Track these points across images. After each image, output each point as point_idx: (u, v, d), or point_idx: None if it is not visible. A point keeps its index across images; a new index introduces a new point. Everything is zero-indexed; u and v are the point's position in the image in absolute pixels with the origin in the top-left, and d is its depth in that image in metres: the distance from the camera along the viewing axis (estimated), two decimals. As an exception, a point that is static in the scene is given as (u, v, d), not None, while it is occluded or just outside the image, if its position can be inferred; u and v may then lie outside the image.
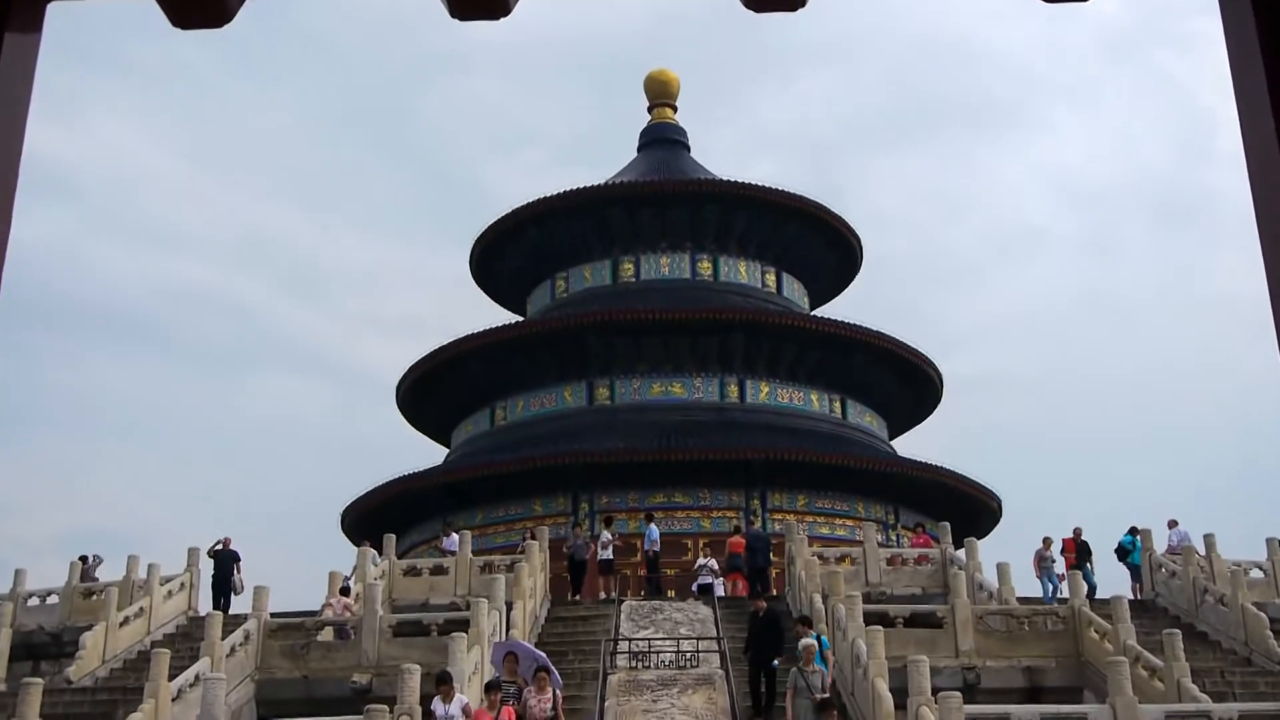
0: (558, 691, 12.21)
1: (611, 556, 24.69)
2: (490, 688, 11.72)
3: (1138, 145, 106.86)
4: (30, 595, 22.78)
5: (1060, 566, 22.30)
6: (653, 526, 25.70)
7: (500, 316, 48.35)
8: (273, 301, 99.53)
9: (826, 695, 12.93)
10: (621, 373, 38.95)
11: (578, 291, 43.51)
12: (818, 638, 14.64)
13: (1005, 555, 21.49)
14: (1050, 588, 20.57)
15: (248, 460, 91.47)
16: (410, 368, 41.79)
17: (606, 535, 25.01)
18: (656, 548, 25.35)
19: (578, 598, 23.65)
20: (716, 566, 24.66)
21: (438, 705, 11.56)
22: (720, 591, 23.67)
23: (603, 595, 24.25)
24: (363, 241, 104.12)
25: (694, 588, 25.09)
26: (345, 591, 19.45)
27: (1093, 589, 21.83)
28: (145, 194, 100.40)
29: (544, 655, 13.15)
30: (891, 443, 43.58)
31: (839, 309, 53.11)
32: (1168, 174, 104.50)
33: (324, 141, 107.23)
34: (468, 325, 70.23)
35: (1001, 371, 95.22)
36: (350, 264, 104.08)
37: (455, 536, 24.90)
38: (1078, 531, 23.60)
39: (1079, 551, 23.28)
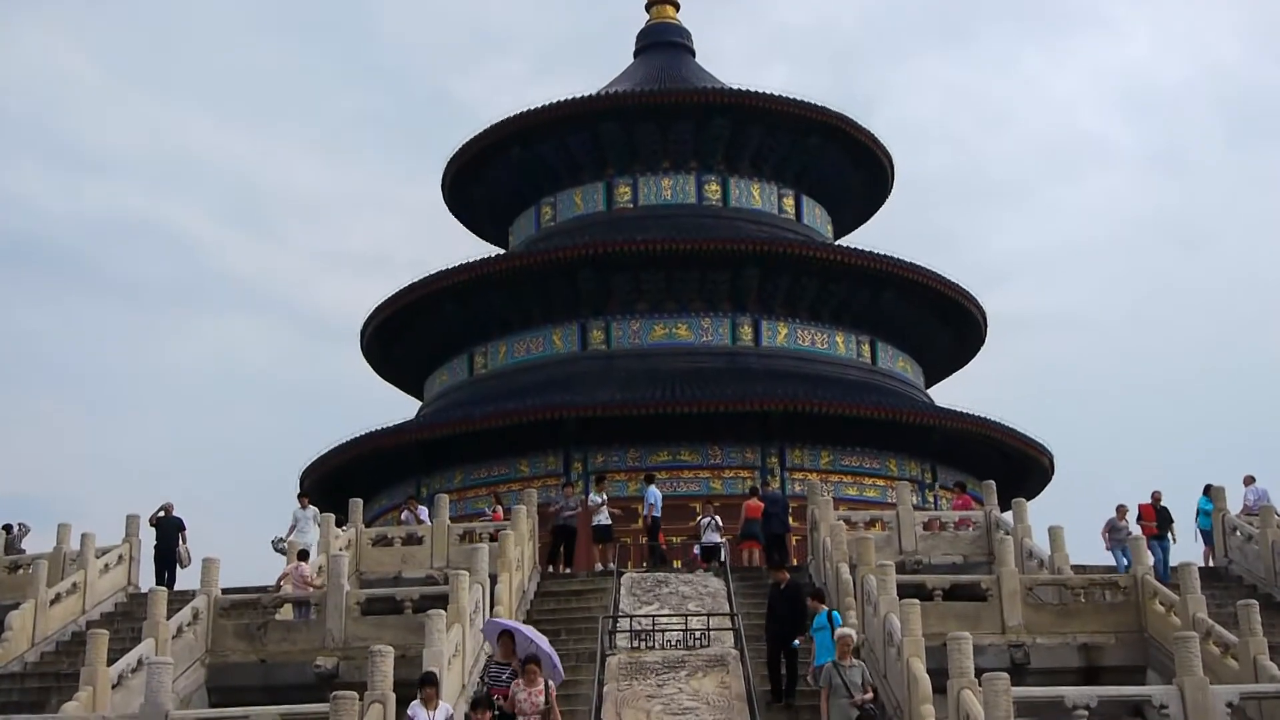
0: (551, 683, 12.14)
1: (609, 522, 24.65)
2: (476, 705, 11.51)
3: (1211, 43, 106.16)
4: (-54, 571, 22.67)
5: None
6: (653, 489, 25.51)
7: (479, 250, 48.61)
8: (214, 232, 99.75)
9: (870, 698, 12.56)
10: (618, 313, 39.03)
11: (567, 220, 43.41)
12: (829, 613, 14.57)
13: (1058, 518, 21.42)
14: (1125, 563, 20.32)
15: (190, 415, 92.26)
16: (376, 309, 41.81)
17: (597, 497, 24.91)
18: (656, 512, 25.23)
19: (567, 570, 23.74)
20: (721, 523, 24.62)
21: (418, 711, 11.42)
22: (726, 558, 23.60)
23: (599, 566, 24.28)
24: (319, 165, 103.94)
25: (695, 550, 25.15)
26: (304, 557, 19.46)
27: (1166, 563, 21.61)
28: (64, 109, 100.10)
29: (545, 641, 13.04)
30: (928, 391, 43.74)
31: (867, 238, 53.26)
32: (1246, 75, 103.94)
33: (271, 50, 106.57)
34: (441, 260, 71.81)
35: (1054, 307, 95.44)
36: (304, 190, 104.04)
37: (424, 511, 24.79)
38: (1156, 496, 23.16)
39: (1160, 519, 22.81)
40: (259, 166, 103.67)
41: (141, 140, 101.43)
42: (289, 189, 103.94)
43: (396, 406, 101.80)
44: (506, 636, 13.11)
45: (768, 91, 41.96)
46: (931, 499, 37.19)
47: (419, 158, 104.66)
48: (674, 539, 30.43)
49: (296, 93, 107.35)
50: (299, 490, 36.95)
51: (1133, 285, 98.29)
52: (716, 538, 24.19)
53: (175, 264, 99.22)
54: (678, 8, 49.59)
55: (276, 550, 22.82)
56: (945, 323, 42.40)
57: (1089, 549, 25.94)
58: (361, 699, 12.09)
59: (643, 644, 16.90)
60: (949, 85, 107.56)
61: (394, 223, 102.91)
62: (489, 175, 44.81)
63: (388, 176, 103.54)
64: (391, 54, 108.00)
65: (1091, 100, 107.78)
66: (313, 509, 23.18)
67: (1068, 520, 20.05)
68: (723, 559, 22.98)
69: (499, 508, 26.17)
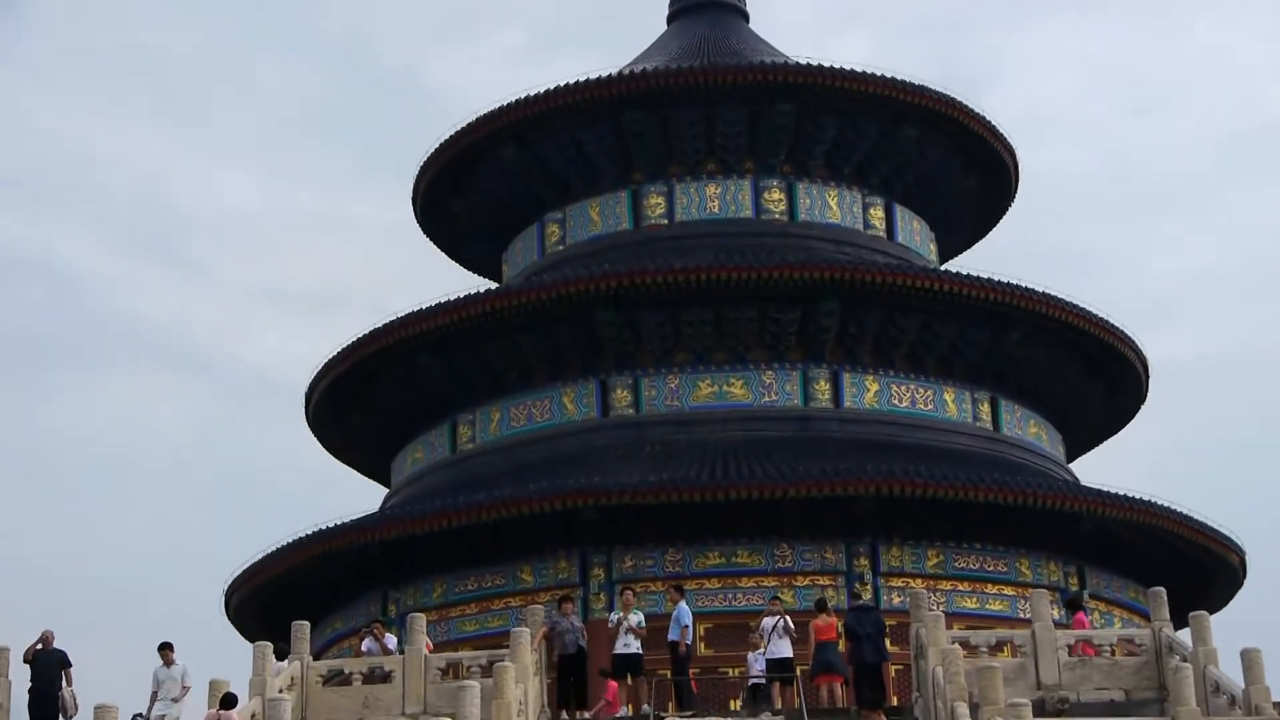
0: None
1: (638, 649, 24.04)
2: None
3: None
4: None
5: None
6: (682, 606, 24.82)
7: (463, 283, 48.79)
8: (106, 263, 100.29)
9: None
10: (651, 367, 39.18)
11: (580, 242, 43.63)
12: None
13: (1255, 637, 20.95)
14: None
15: (77, 508, 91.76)
16: (326, 365, 42.04)
17: (621, 615, 24.26)
18: (688, 640, 24.71)
19: (584, 716, 23.59)
20: (793, 626, 24.18)
21: None
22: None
23: (624, 710, 24.06)
24: (252, 176, 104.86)
25: (756, 664, 24.83)
26: (229, 703, 19.40)
27: None
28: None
29: None
30: (1070, 465, 43.60)
31: (983, 260, 53.50)
32: None
33: (187, 23, 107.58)
34: (413, 298, 69.34)
35: (1236, 350, 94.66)
36: (229, 208, 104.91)
37: (392, 639, 24.70)
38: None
39: None
40: (171, 179, 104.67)
41: (11, 148, 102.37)
42: (210, 205, 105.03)
43: (355, 495, 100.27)
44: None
45: (847, 68, 42.03)
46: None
47: (383, 163, 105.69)
48: (730, 670, 30.10)
49: (222, 79, 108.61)
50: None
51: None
52: (787, 648, 23.97)
53: (59, 307, 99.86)
54: (726, -42, 49.97)
55: None
56: (1092, 374, 42.41)
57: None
58: None
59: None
60: (1085, 58, 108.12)
61: (350, 250, 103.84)
62: (475, 184, 44.96)
63: (342, 188, 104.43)
64: (346, 25, 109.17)
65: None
66: (180, 666, 22.43)
67: (1267, 641, 19.82)
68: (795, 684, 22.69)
69: (384, 636, 25.42)
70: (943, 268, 43.59)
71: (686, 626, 24.65)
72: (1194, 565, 38.94)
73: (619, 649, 24.12)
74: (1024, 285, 39.05)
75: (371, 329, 40.60)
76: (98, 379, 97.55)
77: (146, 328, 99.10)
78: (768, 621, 24.58)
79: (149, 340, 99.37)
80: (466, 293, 39.72)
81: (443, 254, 48.91)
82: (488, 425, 40.71)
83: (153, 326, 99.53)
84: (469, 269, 48.88)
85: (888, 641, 24.52)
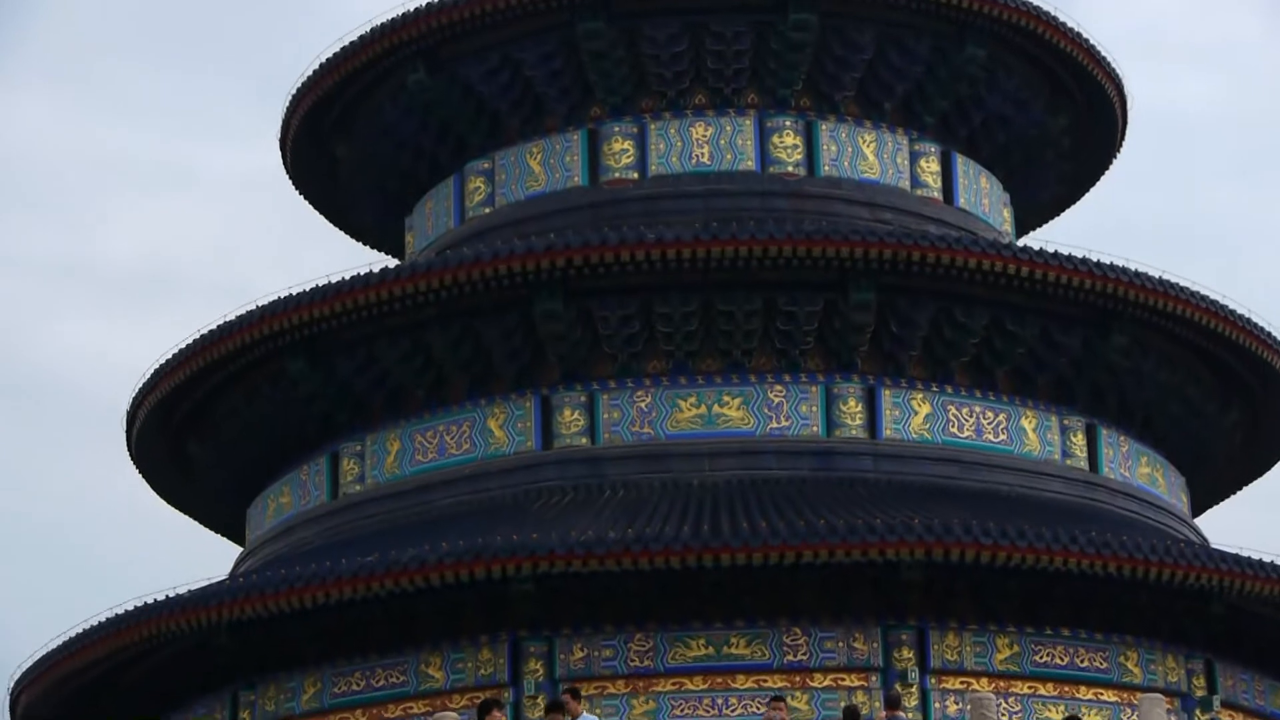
0: None
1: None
2: None
3: None
4: None
5: None
6: None
7: (350, 259, 50.17)
8: None
9: None
10: (612, 378, 39.09)
11: (515, 203, 43.47)
12: None
13: None
14: None
15: None
16: (155, 373, 41.75)
17: None
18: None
19: None
20: None
21: None
22: None
23: None
24: (51, 106, 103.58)
25: None
26: None
27: None
28: None
29: None
30: (1196, 521, 43.53)
31: (1076, 233, 52.13)
32: None
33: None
34: (279, 280, 69.85)
35: None
36: (21, 149, 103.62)
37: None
38: None
39: None
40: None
41: None
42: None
43: (198, 555, 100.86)
44: None
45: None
46: (1206, 724, 36.85)
47: (242, 94, 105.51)
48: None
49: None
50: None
51: None
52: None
53: None
54: None
55: None
56: (1228, 396, 42.60)
57: None
58: None
59: None
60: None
61: (193, 212, 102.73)
62: (370, 122, 45.15)
63: (183, 128, 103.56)
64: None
65: None
66: None
67: None
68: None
69: None
70: (1021, 243, 42.80)
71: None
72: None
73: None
74: (1137, 270, 38.69)
75: (220, 322, 40.11)
76: None
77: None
78: None
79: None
80: (354, 273, 39.13)
81: (323, 218, 48.88)
82: (382, 459, 40.27)
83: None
84: (360, 239, 49.01)
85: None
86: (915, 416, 39.00)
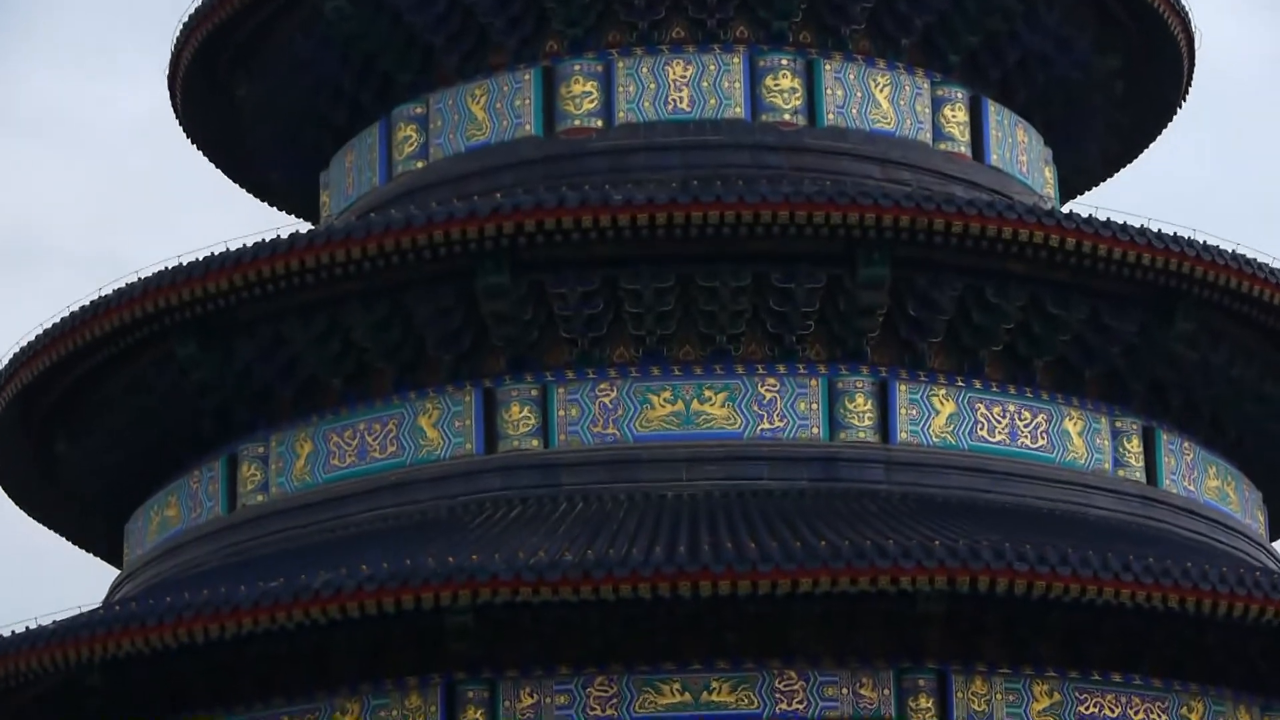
0: None
1: None
2: None
3: None
4: None
5: None
6: None
7: (253, 222, 49.78)
8: None
9: None
10: (569, 368, 38.46)
11: (453, 156, 42.83)
12: None
13: None
14: None
15: None
16: (14, 357, 41.20)
17: None
18: None
19: None
20: None
21: None
22: None
23: None
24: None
25: None
26: None
27: None
28: None
29: None
30: (1276, 544, 43.60)
31: (1129, 199, 51.80)
32: None
33: None
34: (165, 248, 71.12)
35: None
36: None
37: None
38: None
39: None
40: None
41: None
42: None
43: (63, 579, 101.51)
44: None
45: None
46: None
47: (120, 24, 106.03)
48: None
49: None
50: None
51: None
52: None
53: None
54: None
55: None
56: None
57: None
58: None
59: None
60: None
61: (62, 165, 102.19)
62: (277, 56, 44.47)
63: (51, 66, 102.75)
64: None
65: None
66: None
67: None
68: None
69: None
70: (1066, 209, 42.09)
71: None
72: None
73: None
74: (1206, 243, 37.91)
75: (93, 298, 39.50)
76: None
77: None
78: None
79: None
80: (258, 239, 38.53)
81: (221, 173, 48.62)
82: (290, 463, 39.62)
83: None
84: (265, 199, 48.70)
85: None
86: (936, 417, 38.45)
